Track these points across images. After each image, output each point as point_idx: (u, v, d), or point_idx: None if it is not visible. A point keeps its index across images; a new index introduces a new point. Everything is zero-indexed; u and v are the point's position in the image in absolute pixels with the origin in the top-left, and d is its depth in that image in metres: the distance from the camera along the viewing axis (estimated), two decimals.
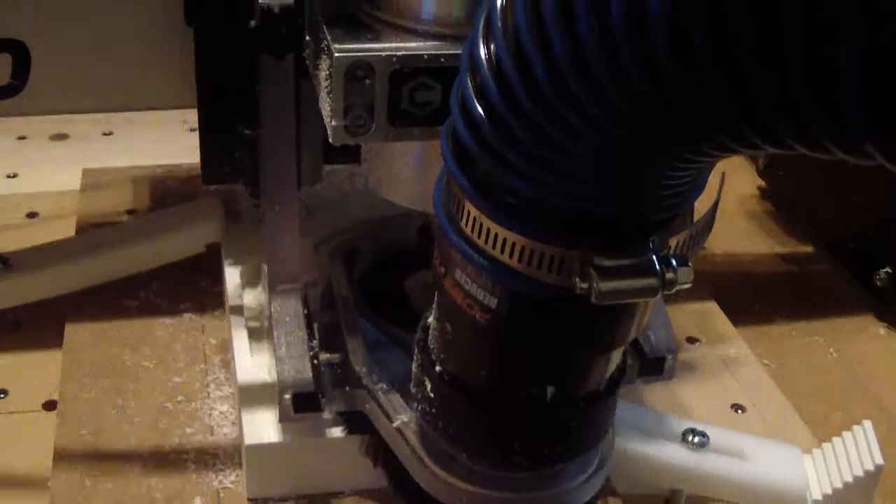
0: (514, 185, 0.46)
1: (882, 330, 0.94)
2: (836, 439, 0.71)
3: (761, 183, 1.14)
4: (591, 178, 0.45)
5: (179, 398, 0.77)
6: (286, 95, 0.64)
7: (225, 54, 0.67)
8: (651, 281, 0.46)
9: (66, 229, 0.89)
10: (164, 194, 0.96)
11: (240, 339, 0.76)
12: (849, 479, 0.69)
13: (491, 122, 0.45)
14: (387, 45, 0.55)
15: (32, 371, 0.81)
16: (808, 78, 0.34)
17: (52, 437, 0.74)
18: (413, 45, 0.55)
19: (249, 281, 0.81)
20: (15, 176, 1.06)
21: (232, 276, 0.82)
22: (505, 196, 0.47)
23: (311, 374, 0.65)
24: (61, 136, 1.13)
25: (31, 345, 0.84)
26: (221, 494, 0.70)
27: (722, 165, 0.48)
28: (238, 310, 0.79)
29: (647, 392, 0.80)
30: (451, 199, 0.50)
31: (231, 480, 0.71)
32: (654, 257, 0.46)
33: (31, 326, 0.85)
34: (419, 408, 0.59)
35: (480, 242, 0.49)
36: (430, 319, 0.57)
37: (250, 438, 0.68)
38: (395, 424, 0.63)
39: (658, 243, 0.47)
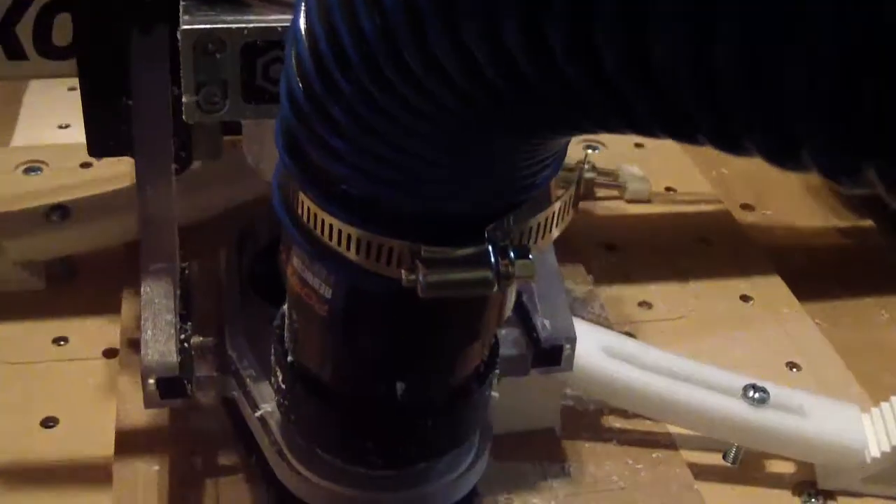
0: (340, 173, 0.42)
1: None
2: (893, 398, 0.72)
3: None
4: (420, 171, 0.41)
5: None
6: (159, 70, 0.60)
7: (102, 24, 0.61)
8: (484, 273, 0.43)
9: (121, 179, 0.89)
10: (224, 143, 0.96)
11: None
12: None
13: (311, 104, 0.40)
14: (240, 17, 0.51)
15: (92, 319, 0.82)
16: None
17: (115, 385, 0.74)
18: (272, 17, 0.51)
19: None
20: (67, 126, 1.06)
21: None
22: (333, 183, 0.43)
23: (176, 359, 0.59)
24: None
25: (90, 293, 0.84)
26: None
27: None
28: None
29: (702, 349, 0.80)
30: (285, 181, 0.47)
31: None
32: (490, 248, 0.43)
33: (90, 275, 0.86)
34: (276, 398, 0.57)
35: (315, 231, 0.45)
36: (285, 308, 0.54)
37: None
38: (257, 414, 0.60)
39: (497, 233, 0.43)
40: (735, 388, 0.70)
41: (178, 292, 0.63)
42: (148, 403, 0.60)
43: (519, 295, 0.64)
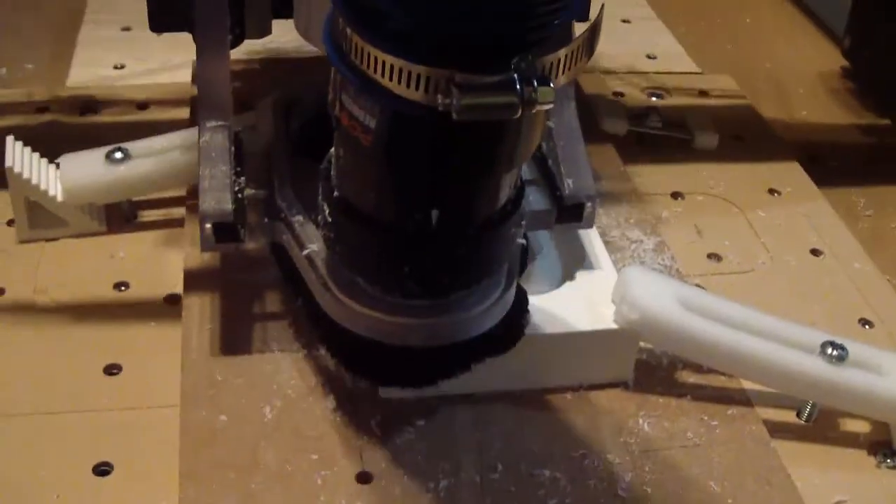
0: (385, 7, 0.49)
1: None
2: None
3: (844, 63, 1.16)
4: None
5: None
6: None
7: None
8: (511, 98, 0.48)
9: (180, 122, 0.88)
10: (277, 86, 0.94)
11: None
12: None
13: None
14: None
15: (153, 264, 0.81)
16: None
17: (177, 331, 0.73)
18: None
19: None
20: (122, 67, 1.05)
21: None
22: (379, 19, 0.50)
23: (231, 206, 0.67)
24: None
25: (149, 238, 0.83)
26: (355, 393, 0.69)
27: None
28: None
29: (771, 303, 0.79)
30: (336, 25, 0.53)
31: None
32: (516, 76, 0.48)
33: (149, 219, 0.85)
34: (322, 233, 0.63)
35: (357, 62, 0.51)
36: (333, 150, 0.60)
37: None
38: (305, 252, 0.66)
39: (523, 63, 0.49)
40: (813, 344, 0.69)
41: (233, 149, 0.70)
42: (204, 247, 0.68)
43: (544, 158, 0.73)
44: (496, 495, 0.64)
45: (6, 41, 1.10)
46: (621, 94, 1.04)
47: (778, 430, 0.71)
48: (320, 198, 0.61)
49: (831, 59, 1.19)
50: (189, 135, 0.82)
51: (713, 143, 0.98)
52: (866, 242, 0.90)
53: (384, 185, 0.57)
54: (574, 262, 0.77)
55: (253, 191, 0.71)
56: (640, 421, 0.70)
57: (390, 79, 0.50)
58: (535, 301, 0.70)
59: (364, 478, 0.64)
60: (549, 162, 0.73)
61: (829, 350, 0.68)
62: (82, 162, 0.81)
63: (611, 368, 0.72)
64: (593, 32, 0.52)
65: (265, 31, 0.79)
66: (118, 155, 0.80)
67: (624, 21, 1.21)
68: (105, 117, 0.97)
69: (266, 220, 0.69)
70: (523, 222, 0.62)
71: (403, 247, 0.58)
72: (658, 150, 0.98)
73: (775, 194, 0.94)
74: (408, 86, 0.49)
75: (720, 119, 1.01)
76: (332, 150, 0.60)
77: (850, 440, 0.72)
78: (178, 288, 0.77)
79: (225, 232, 0.67)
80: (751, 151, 0.99)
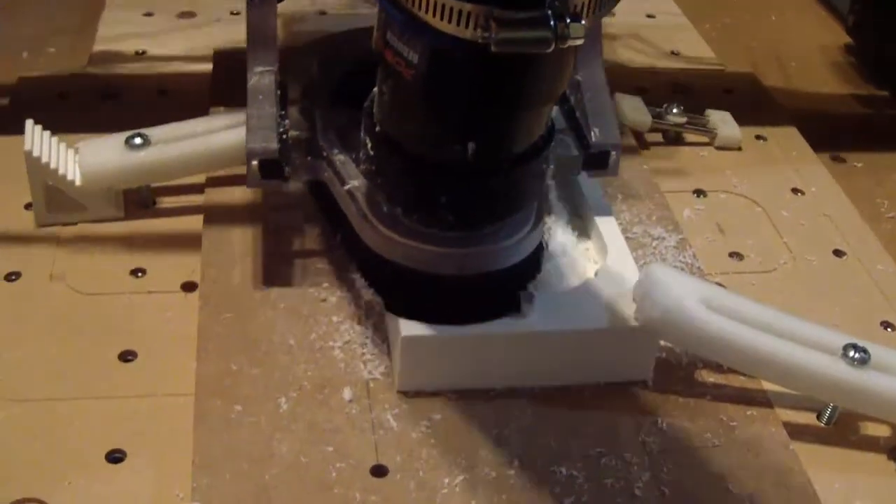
0: None
1: None
2: None
3: (847, 41, 1.19)
4: None
5: (325, 284, 0.75)
6: None
7: None
8: (545, 33, 0.52)
9: (197, 108, 0.87)
10: (295, 77, 0.94)
11: None
12: None
13: None
14: None
15: (170, 252, 0.80)
16: None
17: (193, 319, 0.73)
18: None
19: None
20: (143, 53, 1.04)
21: None
22: None
23: (276, 144, 0.70)
24: (188, 14, 1.11)
25: (167, 224, 0.83)
26: (371, 385, 0.69)
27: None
28: None
29: (793, 304, 0.78)
30: None
31: (380, 372, 0.70)
32: (550, 12, 0.52)
33: (167, 206, 0.85)
34: (363, 167, 0.67)
35: (406, 4, 0.55)
36: (375, 88, 0.64)
37: (406, 330, 0.67)
38: (346, 187, 0.70)
39: (556, 2, 0.52)
40: (835, 346, 0.68)
41: (278, 93, 0.74)
42: (250, 183, 0.71)
43: (572, 110, 0.77)
44: (512, 492, 0.63)
45: (28, 25, 1.09)
46: (645, 90, 1.03)
47: (798, 432, 0.70)
48: (363, 133, 0.66)
49: (834, 36, 1.22)
50: (209, 122, 0.82)
51: (737, 140, 0.97)
52: (889, 244, 0.89)
53: (424, 117, 0.61)
54: (596, 259, 0.76)
55: (296, 132, 0.75)
56: (659, 420, 0.69)
57: (433, 15, 0.54)
58: (556, 298, 0.70)
59: (379, 471, 0.64)
60: (577, 113, 0.77)
61: (852, 353, 0.67)
62: (101, 147, 0.80)
63: (630, 367, 0.71)
64: None
65: None
66: (137, 140, 0.79)
67: (649, 16, 1.20)
68: (125, 103, 0.96)
69: (309, 158, 0.73)
70: (552, 166, 0.67)
71: (441, 178, 0.62)
72: (681, 147, 0.97)
73: (799, 194, 0.93)
74: (450, 21, 0.53)
75: (744, 117, 1.00)
76: (375, 88, 0.64)
77: (871, 444, 0.71)
78: (195, 276, 0.77)
79: (270, 169, 0.70)
80: (775, 150, 0.99)
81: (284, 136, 0.72)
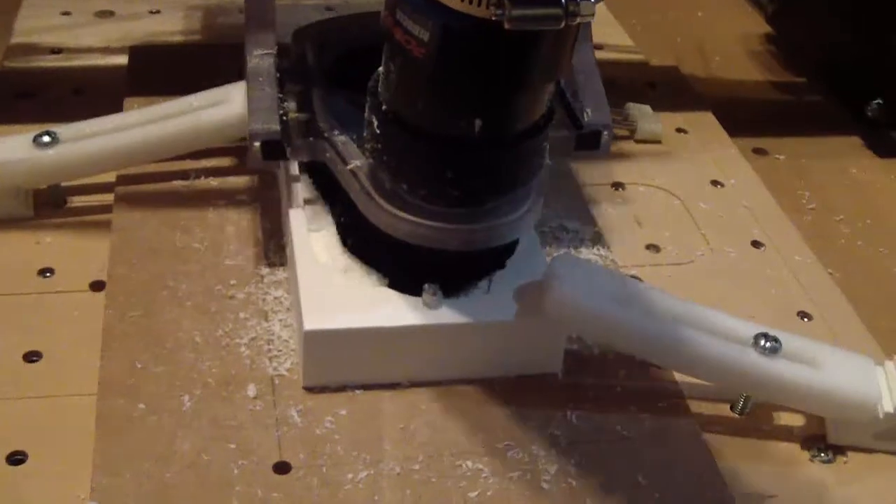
0: None
1: None
2: None
3: (768, 30, 1.20)
4: None
5: (232, 281, 0.75)
6: None
7: None
8: (556, 10, 0.54)
9: (114, 107, 0.86)
10: (214, 73, 0.93)
11: (298, 228, 0.73)
12: None
13: None
14: None
15: (79, 251, 0.79)
16: None
17: (100, 319, 0.72)
18: None
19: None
20: (60, 51, 1.03)
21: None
22: None
23: (278, 125, 0.71)
24: (106, 13, 1.10)
25: (77, 224, 0.82)
26: (276, 382, 0.68)
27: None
28: (297, 195, 0.76)
29: (710, 295, 0.78)
30: None
31: (286, 368, 0.69)
32: None
33: (77, 205, 0.83)
34: (368, 146, 0.67)
35: None
36: (380, 69, 0.65)
37: (309, 324, 0.66)
38: (349, 167, 0.69)
39: None
40: (746, 336, 0.68)
41: (277, 75, 0.74)
42: (251, 164, 0.72)
43: (563, 91, 0.77)
44: (416, 486, 0.63)
45: None
46: None
47: (711, 423, 0.70)
48: (367, 112, 0.66)
49: (756, 25, 1.23)
50: (119, 119, 0.81)
51: (657, 134, 0.97)
52: (810, 235, 0.89)
53: (433, 95, 0.62)
54: None
55: (296, 114, 0.74)
56: (569, 413, 0.68)
57: None
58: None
59: (282, 468, 0.63)
60: (568, 94, 0.77)
61: (763, 342, 0.67)
62: (8, 146, 0.79)
63: (540, 359, 0.71)
64: None
65: None
66: (46, 139, 0.78)
67: None
68: (40, 101, 0.95)
69: (311, 139, 0.72)
70: (546, 145, 0.67)
71: (447, 154, 0.63)
72: None
73: (718, 186, 0.93)
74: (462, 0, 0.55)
75: (665, 109, 1.00)
76: (380, 68, 0.64)
77: (784, 434, 0.71)
78: (104, 274, 0.75)
79: (272, 150, 0.71)
80: (695, 143, 0.98)
81: (285, 118, 0.73)
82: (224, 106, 0.80)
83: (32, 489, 0.62)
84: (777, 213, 0.90)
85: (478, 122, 0.61)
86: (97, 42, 1.05)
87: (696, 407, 0.71)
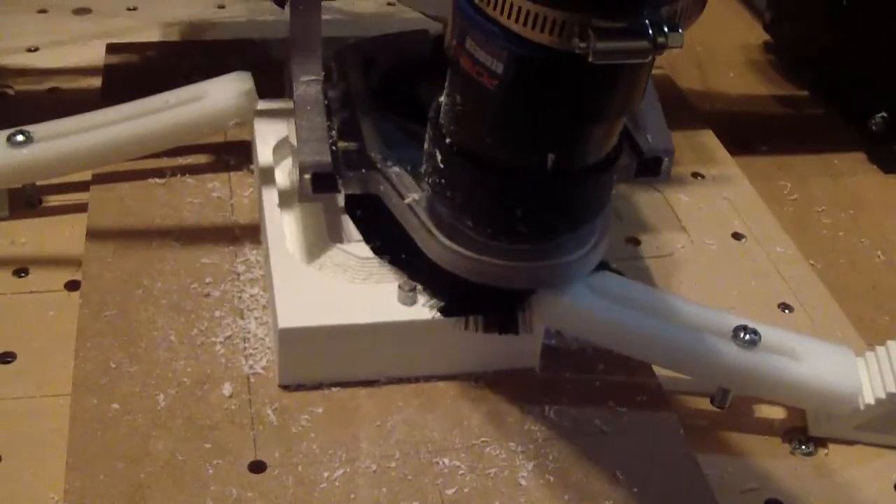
0: None
1: None
2: (889, 343, 0.69)
3: (766, 38, 1.17)
4: None
5: (208, 279, 0.74)
6: None
7: None
8: (643, 43, 0.51)
9: (89, 105, 0.85)
10: (191, 70, 0.93)
11: (273, 225, 0.73)
12: None
13: None
14: None
15: (53, 250, 0.78)
16: None
17: (75, 319, 0.71)
18: None
19: (281, 158, 0.78)
20: (36, 50, 1.02)
21: (264, 153, 0.78)
22: None
23: (329, 157, 0.68)
24: (83, 11, 1.09)
25: (52, 223, 0.81)
26: (252, 380, 0.68)
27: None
28: (271, 193, 0.76)
29: (690, 288, 0.77)
30: None
31: (262, 366, 0.68)
32: (648, 22, 0.51)
33: (53, 204, 0.83)
34: (429, 180, 0.64)
35: (489, 10, 0.53)
36: (442, 98, 0.61)
37: (284, 322, 0.65)
38: (406, 201, 0.67)
39: (652, 10, 0.51)
40: (725, 328, 0.67)
41: (326, 102, 0.72)
42: (302, 198, 0.69)
43: None
44: (392, 484, 0.62)
45: None
46: None
47: (691, 416, 0.70)
48: (429, 144, 0.63)
49: (754, 33, 1.20)
50: (95, 117, 0.80)
51: None
52: (791, 226, 0.88)
53: (505, 128, 0.59)
54: None
55: (345, 143, 0.72)
56: (546, 408, 0.68)
57: (524, 24, 0.52)
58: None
59: (257, 467, 0.63)
60: (628, 120, 0.74)
61: (742, 334, 0.67)
62: None
63: (517, 354, 0.70)
64: None
65: None
66: (20, 138, 0.77)
67: None
68: (16, 100, 0.94)
69: (363, 170, 0.69)
70: (615, 176, 0.65)
71: (517, 189, 0.61)
72: None
73: (699, 178, 0.93)
74: (542, 30, 0.52)
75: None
76: (442, 98, 0.61)
77: (765, 427, 0.71)
78: (80, 274, 0.75)
79: (324, 182, 0.68)
80: (676, 136, 0.97)
81: (334, 148, 0.70)
82: (199, 103, 0.80)
83: (5, 490, 0.61)
84: (758, 205, 0.90)
85: (551, 157, 0.58)
86: (74, 39, 1.04)
87: (677, 401, 0.70)
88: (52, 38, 1.04)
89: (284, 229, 0.72)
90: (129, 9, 1.09)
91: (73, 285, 0.75)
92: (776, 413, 0.71)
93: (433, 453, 0.64)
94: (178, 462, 0.62)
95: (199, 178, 0.84)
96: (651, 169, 0.74)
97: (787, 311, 0.79)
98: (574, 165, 0.60)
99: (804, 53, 1.11)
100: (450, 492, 0.62)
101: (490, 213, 0.62)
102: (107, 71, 0.96)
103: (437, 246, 0.65)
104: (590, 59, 0.51)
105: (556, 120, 0.57)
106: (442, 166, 0.62)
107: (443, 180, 0.63)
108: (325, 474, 0.62)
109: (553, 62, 0.53)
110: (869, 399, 0.67)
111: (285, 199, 0.75)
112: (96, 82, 0.94)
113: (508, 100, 0.56)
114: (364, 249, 0.71)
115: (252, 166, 0.83)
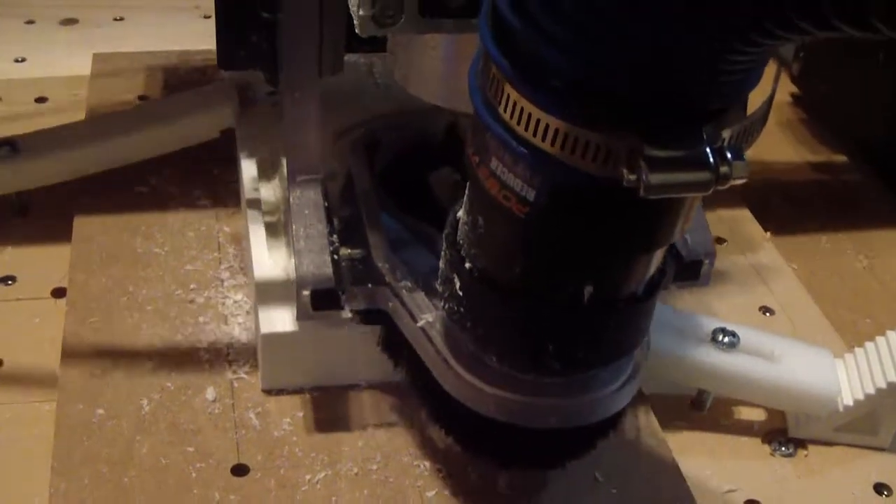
0: (555, 61, 0.42)
1: None
2: (868, 344, 0.69)
3: (794, 90, 1.10)
4: (638, 49, 0.41)
5: (192, 286, 0.75)
6: None
7: None
8: (704, 175, 0.42)
9: (76, 115, 0.86)
10: (177, 81, 0.93)
11: (256, 234, 0.73)
12: (882, 385, 0.67)
13: None
14: None
15: (40, 258, 0.79)
16: None
17: (61, 325, 0.72)
18: None
19: (266, 172, 0.78)
20: (23, 60, 1.03)
21: (248, 167, 0.78)
22: (547, 77, 0.43)
23: (331, 270, 0.61)
24: (71, 21, 1.10)
25: (39, 231, 0.81)
26: (235, 385, 0.68)
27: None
28: (255, 203, 0.75)
29: (671, 291, 0.78)
30: (489, 82, 0.46)
31: (245, 371, 0.69)
32: (708, 149, 0.42)
33: (40, 212, 0.83)
34: (446, 306, 0.56)
35: (520, 129, 0.45)
36: (460, 213, 0.54)
37: (266, 327, 0.66)
38: (419, 324, 0.60)
39: (712, 134, 0.43)
40: (704, 331, 0.68)
41: (325, 204, 0.64)
42: (300, 316, 0.62)
43: None
44: (374, 487, 0.63)
45: None
46: None
47: (671, 419, 0.70)
48: (445, 267, 0.55)
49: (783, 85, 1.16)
50: (82, 126, 0.81)
51: None
52: (773, 230, 0.89)
53: (537, 259, 0.51)
54: None
55: (348, 250, 0.65)
56: None
57: (562, 148, 0.44)
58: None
59: (239, 470, 0.63)
60: None
61: (720, 337, 0.67)
62: None
63: None
64: (769, 104, 0.48)
65: (338, 67, 0.66)
66: (7, 148, 0.78)
67: None
68: (2, 110, 0.95)
69: (369, 285, 0.63)
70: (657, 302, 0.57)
71: (549, 322, 0.53)
72: None
73: None
74: (583, 156, 0.44)
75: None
76: (460, 213, 0.54)
77: (745, 428, 0.71)
78: (66, 282, 0.75)
79: (324, 299, 0.62)
80: None
81: (336, 257, 0.63)
82: (185, 112, 0.80)
83: None
84: (743, 213, 0.91)
85: (588, 289, 0.50)
86: (61, 49, 1.04)
87: (657, 403, 0.71)
88: (40, 48, 1.05)
89: (268, 243, 0.72)
90: (115, 19, 1.10)
91: (59, 293, 0.76)
92: (756, 415, 0.72)
93: (414, 456, 0.65)
94: (162, 466, 0.63)
95: (184, 185, 0.85)
96: (690, 273, 0.67)
97: (768, 315, 0.80)
98: (613, 295, 0.52)
99: (837, 111, 1.05)
100: (430, 494, 0.62)
101: (517, 348, 0.55)
102: (93, 81, 0.96)
103: (457, 380, 0.58)
104: (641, 194, 0.42)
105: (596, 252, 0.50)
106: (461, 293, 0.54)
107: (461, 308, 0.55)
108: (307, 477, 0.63)
109: (596, 192, 0.45)
110: (848, 401, 0.68)
111: (269, 214, 0.75)
112: (84, 91, 0.95)
113: (542, 230, 0.48)
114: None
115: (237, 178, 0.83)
